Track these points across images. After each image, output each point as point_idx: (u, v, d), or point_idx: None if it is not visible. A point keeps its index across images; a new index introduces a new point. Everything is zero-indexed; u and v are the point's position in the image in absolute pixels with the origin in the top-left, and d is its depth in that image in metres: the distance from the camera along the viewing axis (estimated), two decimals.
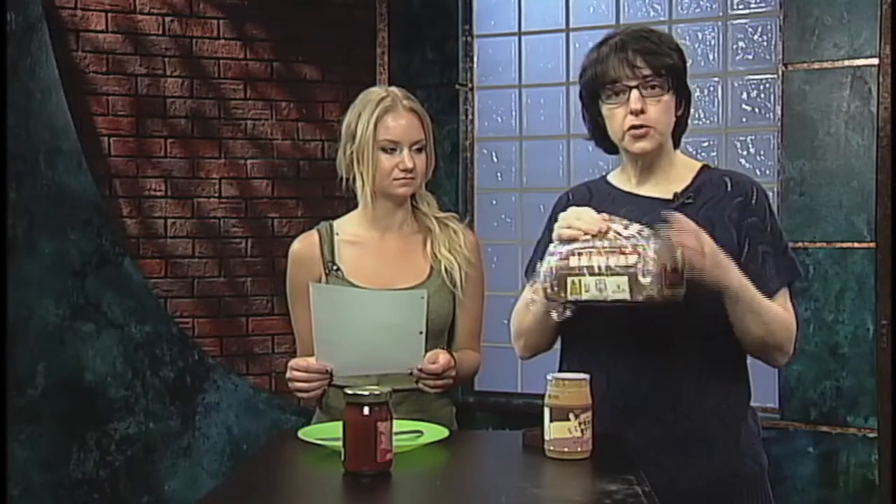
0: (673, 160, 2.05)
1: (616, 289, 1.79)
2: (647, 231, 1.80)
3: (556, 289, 1.83)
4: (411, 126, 2.24)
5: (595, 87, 1.98)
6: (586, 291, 1.81)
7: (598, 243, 1.81)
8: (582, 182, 2.20)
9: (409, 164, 2.22)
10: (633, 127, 1.95)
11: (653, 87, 1.94)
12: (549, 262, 1.85)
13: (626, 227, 1.82)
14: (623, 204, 1.99)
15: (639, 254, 1.78)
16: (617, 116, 1.96)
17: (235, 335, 4.18)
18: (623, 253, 1.79)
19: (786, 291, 1.97)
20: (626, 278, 1.78)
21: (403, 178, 2.23)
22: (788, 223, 3.58)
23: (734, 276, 1.85)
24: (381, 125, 2.22)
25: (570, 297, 1.83)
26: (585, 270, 1.81)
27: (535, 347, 2.09)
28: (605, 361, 1.95)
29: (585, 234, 1.83)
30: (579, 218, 1.86)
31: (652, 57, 1.94)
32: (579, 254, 1.82)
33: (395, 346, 2.13)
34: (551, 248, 1.88)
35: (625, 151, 2.03)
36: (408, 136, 2.23)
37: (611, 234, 1.82)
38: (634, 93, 1.93)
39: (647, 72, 1.93)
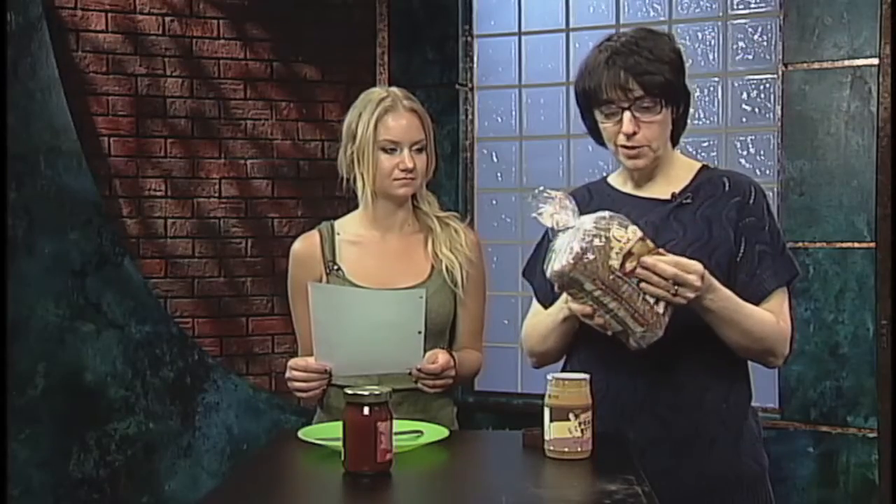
0: (672, 161, 2.05)
1: (608, 326, 1.82)
2: (662, 306, 1.79)
3: (560, 282, 1.80)
4: (412, 126, 2.24)
5: (589, 99, 1.98)
6: (582, 303, 1.81)
7: (623, 288, 1.77)
8: (583, 184, 2.20)
9: (410, 165, 2.22)
10: (626, 146, 1.96)
11: (645, 108, 1.93)
12: (571, 258, 1.76)
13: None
14: (623, 205, 1.99)
15: (648, 326, 1.79)
16: (611, 132, 1.97)
17: (235, 335, 4.19)
18: (635, 317, 1.78)
19: (783, 292, 1.97)
20: (621, 330, 1.81)
21: (404, 179, 2.23)
22: (788, 223, 3.58)
23: (705, 301, 1.84)
24: (382, 125, 2.22)
25: (563, 293, 1.82)
26: (592, 297, 1.78)
27: (553, 358, 2.09)
28: (605, 361, 1.95)
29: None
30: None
31: (644, 77, 1.91)
32: (601, 286, 1.76)
33: (393, 345, 2.13)
34: (587, 244, 1.77)
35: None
36: (408, 136, 2.23)
37: (634, 281, 1.78)
38: (627, 115, 1.93)
39: (639, 93, 1.92)
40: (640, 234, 1.80)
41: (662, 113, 1.95)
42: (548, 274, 1.81)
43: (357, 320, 2.11)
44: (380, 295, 2.18)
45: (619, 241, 1.78)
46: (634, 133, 1.93)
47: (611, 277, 1.77)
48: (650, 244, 1.80)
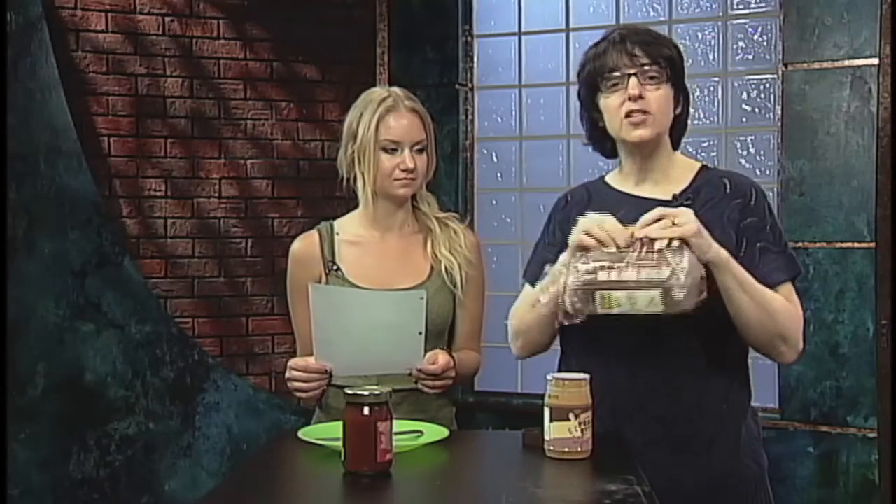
0: (672, 160, 2.05)
1: (649, 302, 1.78)
2: (676, 243, 1.79)
3: (582, 304, 1.80)
4: (413, 126, 2.24)
5: (594, 79, 1.98)
6: (618, 306, 1.79)
7: (627, 256, 1.79)
8: (580, 183, 2.20)
9: (411, 165, 2.22)
10: (631, 113, 1.95)
11: (651, 77, 1.95)
12: (574, 278, 1.81)
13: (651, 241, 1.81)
14: (622, 205, 1.99)
15: (672, 267, 1.77)
16: (615, 103, 1.96)
17: (235, 335, 4.18)
18: (655, 266, 1.77)
19: (789, 286, 1.97)
20: (659, 292, 1.77)
21: (404, 179, 2.23)
22: (788, 223, 3.58)
23: (722, 251, 1.85)
24: (383, 125, 2.22)
25: (599, 311, 1.80)
26: (616, 285, 1.78)
27: (533, 347, 2.08)
28: (605, 361, 1.94)
29: (606, 245, 1.82)
30: (601, 227, 1.85)
31: (650, 47, 1.95)
32: (609, 268, 1.78)
33: (394, 346, 2.13)
34: (574, 262, 1.83)
35: (623, 143, 2.02)
36: (409, 136, 2.23)
37: (638, 243, 1.80)
38: (633, 80, 1.94)
39: (645, 60, 1.94)
40: None
41: (667, 86, 1.96)
42: (565, 305, 1.81)
43: (357, 321, 2.11)
44: (381, 296, 2.18)
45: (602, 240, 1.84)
46: (640, 97, 1.94)
47: (615, 255, 1.80)
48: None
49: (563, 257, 1.88)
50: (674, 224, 1.81)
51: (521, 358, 2.12)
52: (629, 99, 1.94)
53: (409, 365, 2.14)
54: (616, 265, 1.79)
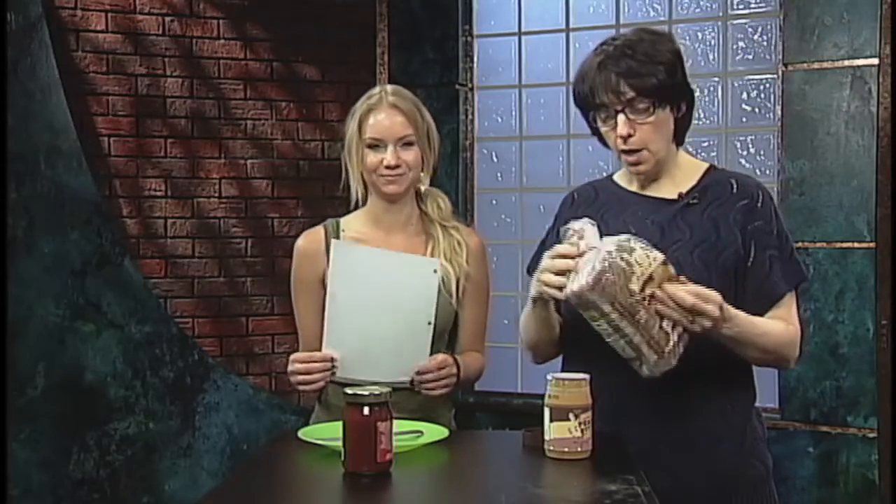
0: (678, 161, 2.04)
1: (623, 351, 1.78)
2: (681, 329, 1.77)
3: (579, 306, 1.77)
4: (394, 123, 2.23)
5: (584, 106, 1.98)
6: (604, 331, 1.77)
7: (641, 313, 1.74)
8: (587, 182, 2.20)
9: (392, 161, 2.22)
10: (625, 151, 1.95)
11: (639, 109, 1.92)
12: (606, 257, 1.74)
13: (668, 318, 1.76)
14: (629, 204, 2.00)
15: (663, 354, 1.76)
16: (609, 137, 1.97)
17: (235, 335, 4.18)
18: (650, 344, 1.76)
19: (792, 296, 1.97)
20: (637, 362, 1.78)
21: (388, 175, 2.23)
22: (788, 223, 3.53)
23: (738, 325, 1.84)
24: (365, 123, 2.24)
25: (585, 314, 1.77)
26: (609, 320, 1.74)
27: (547, 353, 2.09)
28: (610, 361, 1.94)
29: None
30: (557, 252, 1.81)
31: (635, 79, 1.90)
32: (620, 310, 1.73)
33: (403, 335, 2.15)
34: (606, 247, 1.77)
35: None
36: (391, 133, 2.23)
37: (652, 308, 1.75)
38: (621, 118, 1.92)
39: (630, 95, 1.91)
40: (661, 258, 1.77)
41: (657, 114, 1.94)
42: (566, 292, 1.77)
43: (373, 281, 2.15)
44: (397, 256, 2.20)
45: (641, 265, 1.75)
46: (630, 135, 1.93)
47: (629, 301, 1.73)
48: (671, 270, 1.77)
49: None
50: (693, 317, 1.76)
51: (538, 363, 2.12)
52: (619, 138, 1.93)
53: (415, 357, 2.15)
54: (626, 311, 1.73)
